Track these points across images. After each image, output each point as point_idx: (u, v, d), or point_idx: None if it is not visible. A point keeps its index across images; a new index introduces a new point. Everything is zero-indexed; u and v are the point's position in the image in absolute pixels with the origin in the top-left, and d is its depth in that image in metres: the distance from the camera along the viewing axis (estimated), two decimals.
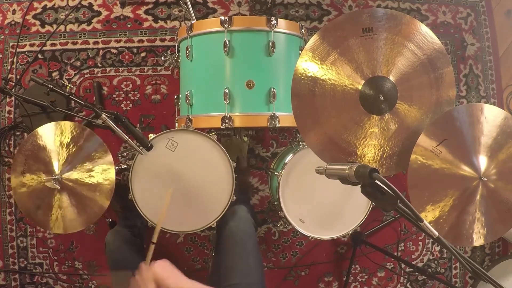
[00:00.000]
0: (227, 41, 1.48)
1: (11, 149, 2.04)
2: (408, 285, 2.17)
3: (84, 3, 2.06)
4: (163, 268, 1.23)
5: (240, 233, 1.46)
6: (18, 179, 1.43)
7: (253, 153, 2.08)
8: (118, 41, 2.07)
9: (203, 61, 1.56)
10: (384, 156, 1.15)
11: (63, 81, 2.05)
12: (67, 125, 1.46)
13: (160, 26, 2.08)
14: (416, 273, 2.12)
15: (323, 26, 2.02)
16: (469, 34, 2.19)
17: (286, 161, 1.54)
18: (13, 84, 2.03)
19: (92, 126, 1.81)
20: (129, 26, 2.07)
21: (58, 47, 2.06)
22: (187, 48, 1.56)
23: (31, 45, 2.05)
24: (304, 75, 1.11)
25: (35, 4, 2.06)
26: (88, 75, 2.06)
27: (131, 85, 2.07)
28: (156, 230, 1.34)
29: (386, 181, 0.82)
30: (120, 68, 2.07)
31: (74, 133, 1.45)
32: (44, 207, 1.43)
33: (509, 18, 2.21)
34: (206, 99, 1.56)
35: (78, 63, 2.06)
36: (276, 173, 1.58)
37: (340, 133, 1.12)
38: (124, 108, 2.07)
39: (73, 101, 1.93)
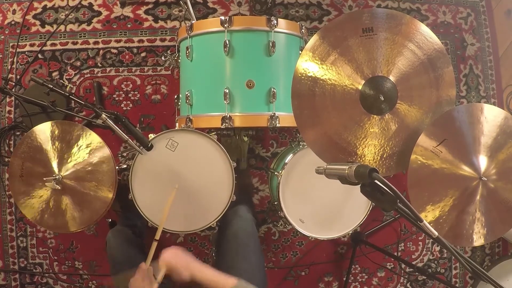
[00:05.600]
0: (227, 41, 1.48)
1: (11, 149, 2.04)
2: (408, 285, 2.17)
3: (84, 3, 2.06)
4: (175, 256, 1.24)
5: (242, 233, 1.46)
6: (18, 184, 1.43)
7: (253, 153, 2.08)
8: (118, 41, 2.07)
9: (203, 61, 1.56)
10: (384, 156, 1.15)
11: (63, 81, 2.05)
12: (60, 124, 1.46)
13: (160, 26, 2.08)
14: (416, 273, 2.12)
15: (323, 26, 2.03)
16: (469, 34, 2.19)
17: (286, 161, 1.54)
18: (13, 84, 2.03)
19: (92, 126, 1.81)
20: (129, 26, 2.07)
21: (58, 47, 2.06)
22: (187, 48, 1.56)
23: (31, 45, 2.05)
24: (304, 75, 1.11)
25: (35, 4, 2.06)
26: (88, 75, 2.06)
27: (131, 85, 2.07)
28: (159, 227, 1.35)
29: (386, 181, 0.82)
30: (120, 68, 2.07)
31: (69, 131, 1.44)
32: (49, 210, 1.43)
33: (509, 18, 2.21)
34: (206, 99, 1.56)
35: (78, 63, 2.06)
36: (276, 173, 1.58)
37: (340, 133, 1.12)
38: (124, 108, 2.07)
39: (73, 101, 1.93)
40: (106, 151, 1.44)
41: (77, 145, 1.44)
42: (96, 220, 1.45)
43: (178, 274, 1.20)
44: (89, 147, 1.44)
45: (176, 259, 1.23)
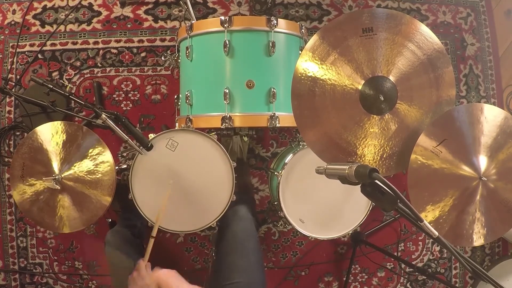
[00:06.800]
0: (227, 41, 1.48)
1: (11, 149, 2.04)
2: (408, 285, 2.17)
3: (84, 3, 2.06)
4: (167, 274, 1.24)
5: (241, 233, 1.46)
6: (18, 185, 1.43)
7: (253, 153, 2.08)
8: (118, 41, 2.07)
9: (203, 61, 1.56)
10: (384, 156, 1.15)
11: (63, 81, 2.05)
12: (63, 125, 1.46)
13: (160, 26, 2.08)
14: (416, 273, 2.12)
15: (323, 26, 2.03)
16: (469, 34, 2.19)
17: (286, 161, 1.54)
18: (13, 84, 2.03)
19: (92, 126, 1.81)
20: (129, 26, 2.07)
21: (58, 47, 2.06)
22: (187, 48, 1.56)
23: (31, 45, 2.05)
24: (304, 75, 1.11)
25: (35, 4, 2.06)
26: (88, 75, 2.06)
27: (131, 85, 2.07)
28: (156, 224, 1.35)
29: (386, 181, 0.82)
30: (120, 68, 2.07)
31: (70, 132, 1.45)
32: (47, 209, 1.43)
33: (509, 18, 2.21)
34: (206, 99, 1.55)
35: (78, 63, 2.06)
36: (276, 173, 1.58)
37: (340, 133, 1.12)
38: (124, 108, 2.07)
39: (73, 101, 1.93)
40: (106, 151, 1.44)
41: (77, 146, 1.44)
42: (95, 220, 1.45)
43: None
44: (89, 147, 1.44)
45: (168, 277, 1.23)
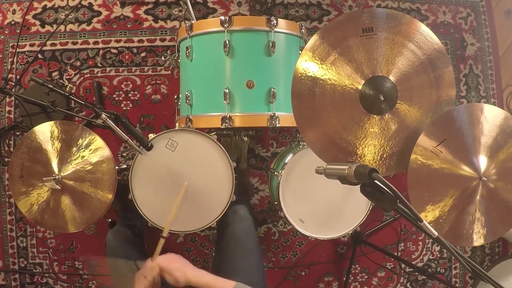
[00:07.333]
0: (227, 41, 1.48)
1: (11, 149, 2.04)
2: (408, 285, 2.17)
3: (84, 3, 2.06)
4: (170, 259, 1.25)
5: (241, 233, 1.47)
6: (18, 185, 1.43)
7: (253, 153, 2.08)
8: (118, 41, 2.07)
9: (203, 61, 1.56)
10: (384, 156, 1.15)
11: (63, 81, 2.05)
12: (61, 124, 1.46)
13: (160, 26, 2.08)
14: (416, 273, 2.12)
15: (323, 26, 2.03)
16: (469, 34, 2.19)
17: (286, 161, 1.54)
18: (13, 84, 2.03)
19: (92, 126, 1.81)
20: (129, 26, 2.07)
21: (58, 47, 2.06)
22: (187, 48, 1.56)
23: (31, 45, 2.05)
24: (304, 75, 1.11)
25: (35, 4, 2.06)
26: (88, 75, 2.06)
27: (131, 85, 2.07)
28: (167, 224, 1.36)
29: (386, 181, 0.82)
30: (120, 68, 2.07)
31: (70, 131, 1.45)
32: (49, 210, 1.43)
33: (509, 18, 2.21)
34: (206, 99, 1.56)
35: (78, 63, 2.06)
36: (276, 173, 1.58)
37: (340, 133, 1.12)
38: (124, 108, 2.07)
39: (73, 101, 1.93)
40: (106, 151, 1.44)
41: (77, 145, 1.44)
42: (96, 220, 1.45)
43: (172, 279, 1.21)
44: (89, 147, 1.44)
45: (171, 263, 1.24)
